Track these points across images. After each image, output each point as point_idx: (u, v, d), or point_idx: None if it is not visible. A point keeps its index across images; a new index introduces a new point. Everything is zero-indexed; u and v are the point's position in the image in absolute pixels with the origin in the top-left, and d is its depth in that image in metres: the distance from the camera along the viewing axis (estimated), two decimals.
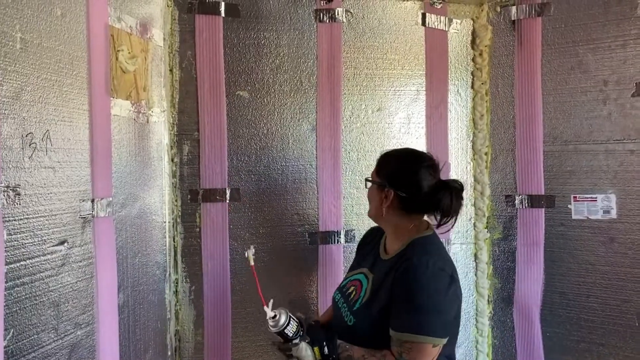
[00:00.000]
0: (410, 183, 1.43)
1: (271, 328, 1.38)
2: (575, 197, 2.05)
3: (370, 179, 1.53)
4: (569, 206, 2.06)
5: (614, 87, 1.98)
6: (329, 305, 2.09)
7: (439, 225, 1.44)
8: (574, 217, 2.05)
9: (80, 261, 1.36)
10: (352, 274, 1.61)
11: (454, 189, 1.42)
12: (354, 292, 1.50)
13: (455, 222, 1.44)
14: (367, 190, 1.56)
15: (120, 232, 1.56)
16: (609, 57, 1.99)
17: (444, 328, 1.33)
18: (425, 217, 1.51)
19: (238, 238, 1.96)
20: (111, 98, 1.51)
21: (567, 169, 2.06)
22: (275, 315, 1.37)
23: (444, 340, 1.33)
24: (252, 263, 1.46)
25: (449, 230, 1.45)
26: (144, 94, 1.71)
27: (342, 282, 1.65)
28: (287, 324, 1.37)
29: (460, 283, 1.44)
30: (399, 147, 2.12)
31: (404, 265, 1.37)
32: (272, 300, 1.41)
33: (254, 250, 1.49)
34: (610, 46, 1.98)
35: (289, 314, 1.40)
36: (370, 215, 1.55)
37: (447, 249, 1.92)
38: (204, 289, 1.91)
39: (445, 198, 1.40)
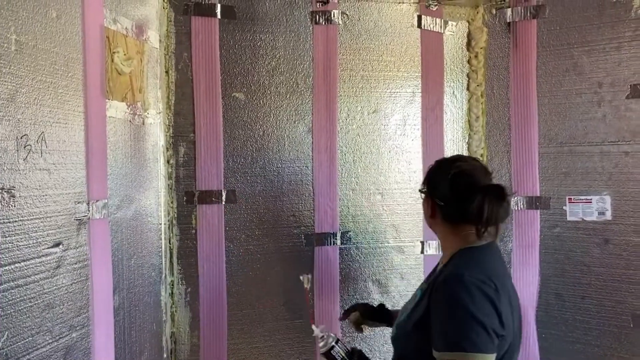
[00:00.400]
0: (443, 190, 1.35)
1: (320, 348, 1.51)
2: (570, 199, 2.05)
3: (421, 189, 1.45)
4: (564, 208, 2.06)
5: (609, 89, 1.98)
6: (324, 307, 2.09)
7: (478, 235, 1.29)
8: (569, 218, 2.06)
9: (76, 263, 1.36)
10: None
11: (490, 195, 1.25)
12: (407, 305, 1.44)
13: (498, 232, 1.32)
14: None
15: (116, 234, 1.56)
16: (603, 59, 1.99)
17: (487, 343, 1.17)
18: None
19: (234, 240, 1.96)
20: (107, 100, 1.51)
21: (562, 171, 2.07)
22: (323, 336, 1.51)
23: (492, 357, 1.19)
24: (306, 285, 1.64)
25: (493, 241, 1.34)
26: (140, 95, 1.71)
27: None
28: (334, 347, 1.49)
29: None
30: (397, 148, 2.15)
31: (440, 278, 1.28)
32: (323, 326, 1.57)
33: (310, 276, 1.72)
34: (604, 48, 1.99)
35: (338, 338, 1.52)
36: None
37: None
38: (200, 291, 1.91)
39: (476, 204, 1.25)
